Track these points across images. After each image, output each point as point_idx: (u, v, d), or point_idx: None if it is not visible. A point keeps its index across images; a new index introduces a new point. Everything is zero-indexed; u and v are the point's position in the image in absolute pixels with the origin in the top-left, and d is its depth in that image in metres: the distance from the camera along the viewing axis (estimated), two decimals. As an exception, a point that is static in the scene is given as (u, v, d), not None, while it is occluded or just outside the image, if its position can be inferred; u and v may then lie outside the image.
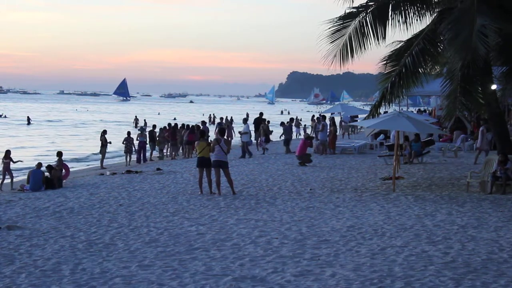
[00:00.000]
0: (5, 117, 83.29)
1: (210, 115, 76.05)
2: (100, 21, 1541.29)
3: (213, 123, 34.39)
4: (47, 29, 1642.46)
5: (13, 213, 15.81)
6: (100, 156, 31.27)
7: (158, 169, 25.88)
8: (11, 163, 23.79)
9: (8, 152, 24.06)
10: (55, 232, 13.17)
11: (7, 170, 23.49)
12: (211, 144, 18.43)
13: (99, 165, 30.97)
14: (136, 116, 74.15)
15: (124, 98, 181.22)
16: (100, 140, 30.76)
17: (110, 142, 31.01)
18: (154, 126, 35.21)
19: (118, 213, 15.51)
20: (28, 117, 77.31)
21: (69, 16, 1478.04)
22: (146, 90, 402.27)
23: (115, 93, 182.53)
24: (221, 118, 38.50)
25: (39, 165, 22.42)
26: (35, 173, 21.48)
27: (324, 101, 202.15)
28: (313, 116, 52.21)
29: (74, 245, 11.87)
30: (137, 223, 14.10)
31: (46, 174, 22.02)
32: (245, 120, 33.91)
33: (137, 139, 32.28)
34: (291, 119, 38.59)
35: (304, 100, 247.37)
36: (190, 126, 35.33)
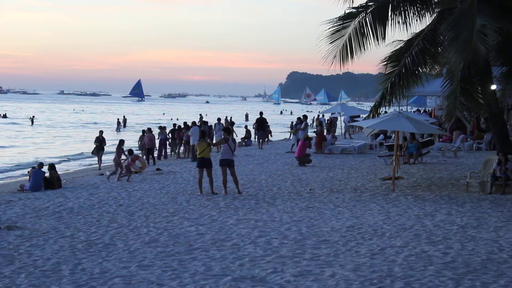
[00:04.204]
0: (33, 117, 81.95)
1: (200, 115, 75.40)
2: (100, 21, 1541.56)
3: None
4: (47, 29, 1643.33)
5: (12, 213, 15.80)
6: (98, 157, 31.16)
7: (157, 169, 25.87)
8: (122, 155, 23.75)
9: (121, 142, 24.29)
10: (55, 232, 13.16)
11: (118, 163, 23.26)
12: (218, 143, 18.37)
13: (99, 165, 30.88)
14: (124, 116, 73.76)
15: (140, 99, 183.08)
16: (98, 140, 30.66)
17: (105, 144, 30.82)
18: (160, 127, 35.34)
19: (118, 213, 15.50)
20: (31, 117, 77.26)
21: (69, 16, 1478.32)
22: (146, 90, 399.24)
23: (130, 93, 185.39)
24: (218, 119, 38.25)
25: (41, 165, 22.32)
26: (37, 173, 21.39)
27: (315, 101, 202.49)
28: (314, 116, 52.10)
29: (73, 245, 11.86)
30: (136, 223, 14.09)
31: (47, 173, 21.95)
32: (194, 123, 34.14)
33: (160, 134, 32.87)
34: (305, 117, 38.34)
35: (300, 100, 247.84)
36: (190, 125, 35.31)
